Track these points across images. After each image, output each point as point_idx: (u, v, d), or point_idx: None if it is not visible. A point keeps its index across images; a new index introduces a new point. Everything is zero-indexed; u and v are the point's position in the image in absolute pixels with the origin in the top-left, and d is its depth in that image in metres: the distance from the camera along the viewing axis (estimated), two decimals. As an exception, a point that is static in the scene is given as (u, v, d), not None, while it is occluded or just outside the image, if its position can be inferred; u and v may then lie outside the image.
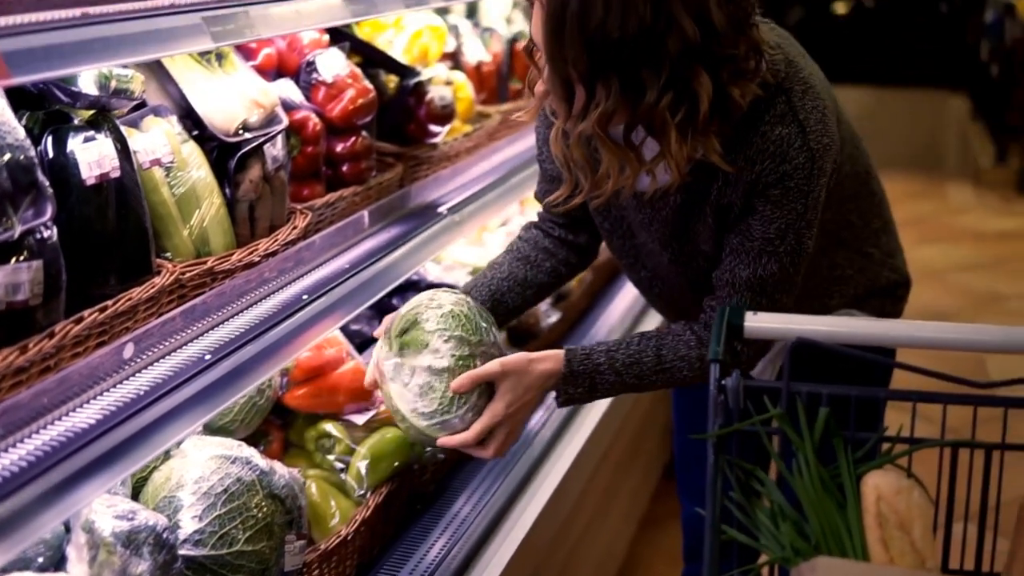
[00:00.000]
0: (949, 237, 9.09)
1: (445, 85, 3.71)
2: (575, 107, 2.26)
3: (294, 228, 2.83)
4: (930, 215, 9.82)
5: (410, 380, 2.54)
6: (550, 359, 2.58)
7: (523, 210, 4.85)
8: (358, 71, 3.26)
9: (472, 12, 4.77)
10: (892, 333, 2.14)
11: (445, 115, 3.61)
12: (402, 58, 3.68)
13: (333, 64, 3.19)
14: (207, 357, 2.40)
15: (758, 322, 2.07)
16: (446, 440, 2.55)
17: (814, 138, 2.39)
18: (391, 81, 3.55)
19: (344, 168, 3.19)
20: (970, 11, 13.78)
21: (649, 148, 2.34)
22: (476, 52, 4.29)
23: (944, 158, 11.96)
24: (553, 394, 2.64)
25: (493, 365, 2.54)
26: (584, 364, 2.57)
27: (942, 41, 13.15)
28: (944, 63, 12.96)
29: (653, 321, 4.57)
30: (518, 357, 2.57)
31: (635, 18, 2.12)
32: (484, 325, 2.61)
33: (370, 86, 3.25)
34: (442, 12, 4.21)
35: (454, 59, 4.20)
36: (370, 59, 3.55)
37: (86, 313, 2.12)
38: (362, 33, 3.70)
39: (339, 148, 3.17)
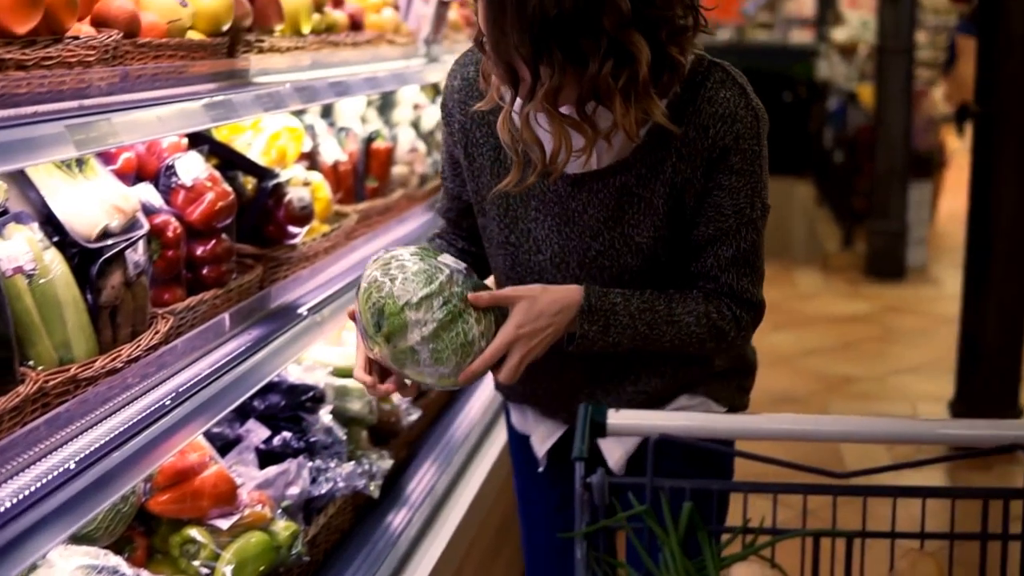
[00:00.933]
0: (799, 322, 9.26)
1: (303, 186, 3.73)
2: (522, 89, 2.32)
3: (156, 333, 2.81)
4: (780, 301, 9.99)
5: (418, 358, 2.46)
6: (567, 290, 2.53)
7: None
8: (217, 174, 3.27)
9: (327, 112, 4.82)
10: (752, 427, 2.18)
11: (304, 216, 3.63)
12: (260, 159, 3.69)
13: (192, 167, 3.20)
14: (72, 466, 2.38)
15: (622, 419, 2.10)
16: (468, 372, 2.48)
17: (754, 99, 2.49)
18: (249, 183, 3.56)
19: (204, 271, 3.19)
20: (813, 99, 14.13)
21: (602, 117, 2.37)
22: (332, 152, 4.32)
23: (792, 244, 12.19)
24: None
25: (506, 290, 2.52)
26: (601, 301, 2.52)
27: (787, 129, 13.45)
28: (789, 151, 13.24)
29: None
30: (531, 286, 2.55)
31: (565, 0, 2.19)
32: (431, 266, 2.51)
33: (229, 189, 3.26)
34: (298, 112, 4.24)
35: (311, 159, 4.23)
36: (229, 161, 3.56)
37: (-50, 425, 2.10)
38: (220, 135, 3.72)
39: (199, 251, 3.18)
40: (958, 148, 14.34)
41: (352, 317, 2.59)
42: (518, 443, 3.06)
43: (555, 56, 2.24)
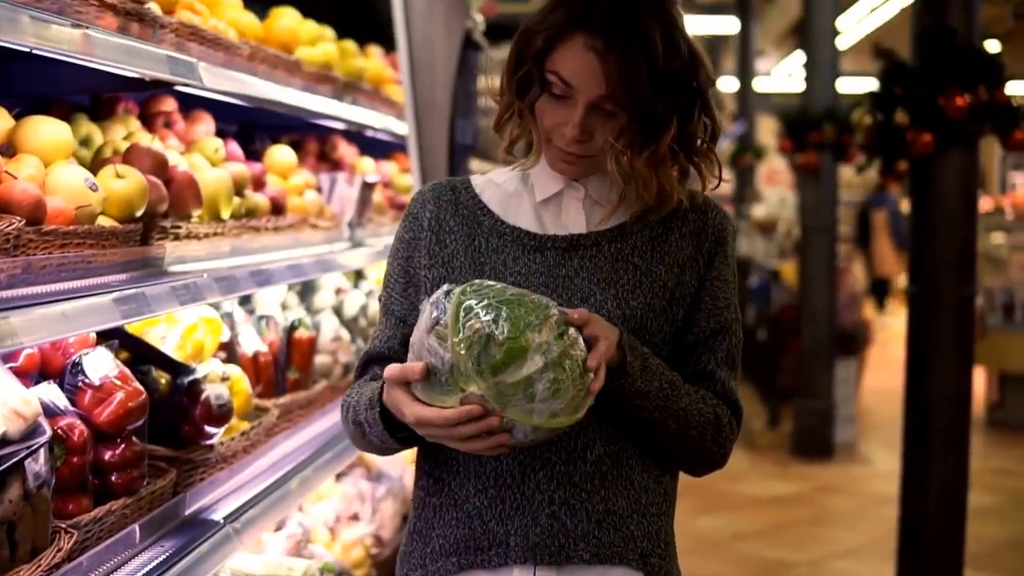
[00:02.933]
0: (728, 505, 9.06)
1: (221, 382, 3.51)
2: (638, 137, 2.42)
3: (59, 551, 2.58)
4: (707, 482, 9.62)
5: (532, 391, 2.11)
6: None
7: (303, 507, 4.63)
8: (127, 372, 3.04)
9: (246, 297, 4.60)
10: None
11: (222, 415, 3.40)
12: (175, 354, 3.47)
13: (100, 364, 2.97)
14: None
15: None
16: (595, 385, 2.21)
17: None
18: (163, 378, 3.34)
19: (113, 477, 2.95)
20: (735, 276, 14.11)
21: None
22: (252, 342, 4.10)
23: (716, 423, 12.04)
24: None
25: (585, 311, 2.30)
26: (632, 339, 2.41)
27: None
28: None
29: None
30: None
31: (677, 58, 2.40)
32: (519, 290, 2.23)
33: (141, 388, 3.03)
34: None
35: (229, 349, 4.00)
36: (141, 355, 3.34)
37: None
38: (132, 326, 3.49)
39: (107, 456, 2.94)
40: (877, 322, 14.36)
41: (407, 379, 2.23)
42: None
43: (672, 108, 2.41)
